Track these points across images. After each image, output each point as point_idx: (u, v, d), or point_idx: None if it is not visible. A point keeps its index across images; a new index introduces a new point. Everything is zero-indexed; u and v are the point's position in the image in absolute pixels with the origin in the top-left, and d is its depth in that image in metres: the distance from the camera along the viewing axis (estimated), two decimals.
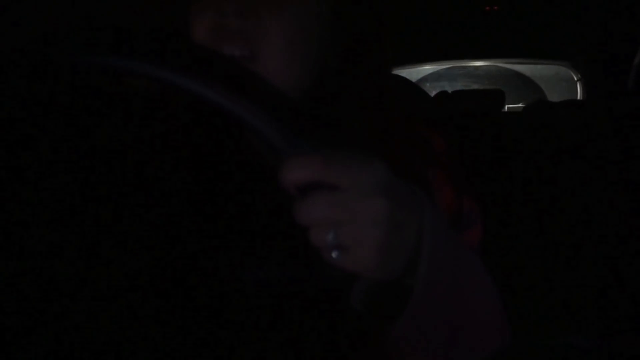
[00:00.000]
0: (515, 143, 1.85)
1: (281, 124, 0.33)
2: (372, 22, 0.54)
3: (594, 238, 1.35)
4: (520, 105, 3.95)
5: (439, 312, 0.40)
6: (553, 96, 4.15)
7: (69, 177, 0.28)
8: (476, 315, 0.43)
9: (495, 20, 2.23)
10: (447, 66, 3.98)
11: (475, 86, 4.09)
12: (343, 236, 0.34)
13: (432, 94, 2.42)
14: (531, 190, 1.68)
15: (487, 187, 1.66)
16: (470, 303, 0.43)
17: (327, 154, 0.33)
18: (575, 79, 2.69)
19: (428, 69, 3.98)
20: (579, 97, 2.63)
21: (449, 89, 2.64)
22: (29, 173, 0.27)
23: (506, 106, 2.74)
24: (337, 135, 0.37)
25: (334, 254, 0.35)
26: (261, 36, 0.47)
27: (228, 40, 0.47)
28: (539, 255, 1.47)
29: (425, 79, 4.15)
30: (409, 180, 0.40)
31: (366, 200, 0.34)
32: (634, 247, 1.31)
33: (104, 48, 0.31)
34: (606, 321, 1.26)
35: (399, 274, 0.37)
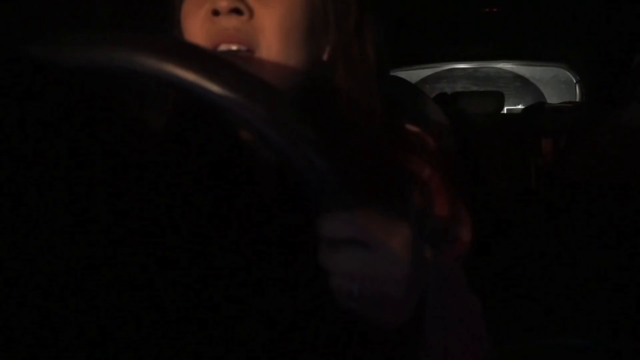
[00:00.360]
0: (515, 144, 1.86)
1: (330, 171, 0.34)
2: (360, 17, 0.54)
3: (594, 238, 1.35)
4: (519, 107, 3.95)
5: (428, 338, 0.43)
6: (552, 98, 4.15)
7: (76, 181, 0.28)
8: (467, 337, 0.48)
9: (495, 22, 2.24)
10: (447, 68, 3.98)
11: (474, 88, 4.09)
12: (365, 291, 0.37)
13: (432, 95, 2.43)
14: (530, 190, 1.68)
15: (487, 188, 1.66)
16: (459, 338, 0.47)
17: (364, 212, 0.36)
18: (574, 81, 2.69)
19: (427, 70, 3.98)
20: (577, 99, 2.63)
21: (449, 91, 2.65)
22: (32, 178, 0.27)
23: (505, 108, 2.74)
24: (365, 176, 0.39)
25: (352, 304, 0.37)
26: (257, 32, 0.48)
27: (224, 38, 0.47)
28: (538, 256, 1.47)
29: (424, 80, 4.15)
30: (407, 182, 0.43)
31: (394, 263, 0.37)
32: (632, 246, 1.31)
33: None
34: (603, 321, 1.26)
35: (404, 321, 0.41)
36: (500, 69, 4.47)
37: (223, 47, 0.48)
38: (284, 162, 0.34)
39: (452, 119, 0.98)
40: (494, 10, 2.10)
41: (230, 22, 0.47)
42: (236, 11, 0.47)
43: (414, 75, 3.58)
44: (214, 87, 0.32)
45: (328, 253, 0.37)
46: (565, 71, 2.77)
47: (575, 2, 1.92)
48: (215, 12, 0.47)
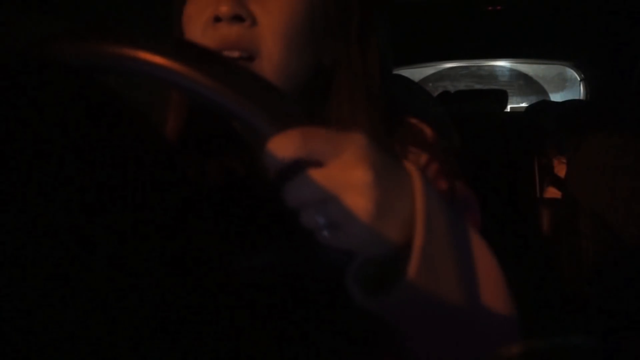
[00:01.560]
0: (518, 143, 1.85)
1: (262, 107, 0.33)
2: (362, 21, 0.54)
3: (595, 237, 1.35)
4: (522, 105, 3.95)
5: (439, 288, 0.37)
6: (556, 96, 4.14)
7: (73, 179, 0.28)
8: (480, 294, 0.40)
9: (498, 20, 2.23)
10: (450, 66, 3.98)
11: (477, 86, 4.09)
12: (332, 212, 0.33)
13: (435, 94, 2.42)
14: (534, 189, 1.68)
15: (490, 186, 1.66)
16: (473, 281, 0.39)
17: (306, 129, 0.33)
18: (578, 79, 2.68)
19: (430, 69, 3.98)
20: (581, 97, 2.62)
21: (452, 89, 2.64)
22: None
23: (509, 106, 2.73)
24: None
25: (325, 233, 0.34)
26: (258, 39, 0.47)
27: (226, 45, 0.47)
28: (540, 255, 1.47)
29: (427, 79, 4.15)
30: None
31: (348, 172, 0.33)
32: (633, 245, 1.31)
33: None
34: (607, 320, 1.25)
35: (394, 248, 0.35)
36: (503, 67, 4.47)
37: (226, 54, 0.47)
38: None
39: (455, 117, 0.98)
40: (498, 8, 2.10)
41: (231, 29, 0.47)
42: (238, 18, 0.47)
43: (417, 73, 3.57)
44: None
45: (286, 188, 0.33)
46: (569, 69, 2.76)
47: (579, 1, 1.92)
48: (217, 19, 0.47)
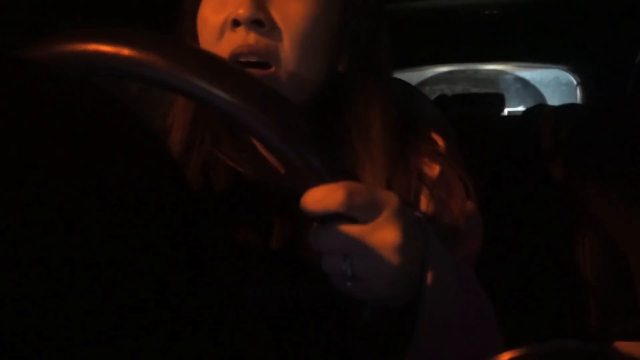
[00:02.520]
0: (515, 147, 1.85)
1: (304, 145, 0.34)
2: (376, 29, 0.54)
3: (594, 240, 1.35)
4: (520, 109, 3.95)
5: (446, 335, 0.40)
6: (553, 100, 4.15)
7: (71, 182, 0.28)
8: (477, 336, 0.44)
9: (495, 24, 2.24)
10: (447, 70, 3.99)
11: (474, 90, 4.10)
12: (358, 267, 0.35)
13: (432, 97, 2.43)
14: (532, 193, 1.68)
15: (487, 190, 1.66)
16: (471, 327, 0.43)
17: (349, 185, 0.34)
18: (575, 83, 2.69)
19: (428, 72, 3.98)
20: (578, 101, 2.63)
21: (449, 93, 2.65)
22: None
23: (506, 110, 2.74)
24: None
25: (348, 283, 0.36)
26: (276, 45, 0.47)
27: (244, 50, 0.46)
28: (539, 258, 1.47)
29: (425, 82, 4.15)
30: (415, 185, 0.42)
31: (382, 234, 0.35)
32: (632, 248, 1.31)
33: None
34: (605, 324, 1.26)
35: (405, 299, 0.38)
36: (500, 71, 4.48)
37: (243, 59, 0.47)
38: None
39: (452, 120, 0.98)
40: (495, 12, 2.11)
41: (250, 34, 0.46)
42: (257, 22, 0.46)
43: (414, 77, 3.58)
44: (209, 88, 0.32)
45: (316, 232, 0.35)
46: (566, 73, 2.77)
47: (576, 4, 1.92)
48: (236, 23, 0.46)
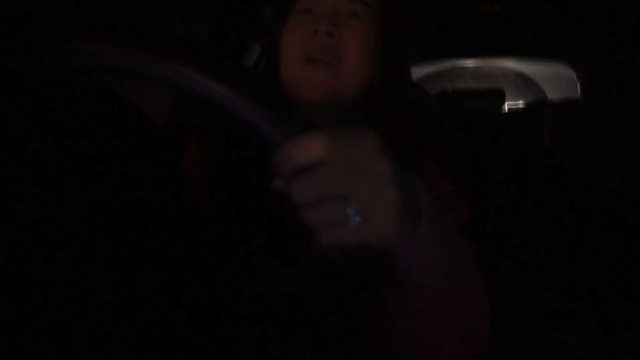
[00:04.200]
0: (516, 142, 1.86)
1: (274, 115, 0.34)
2: (408, 46, 0.73)
3: (594, 235, 1.35)
4: (520, 103, 3.95)
5: (432, 286, 0.42)
6: (553, 95, 4.15)
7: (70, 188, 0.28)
8: (462, 297, 0.46)
9: (496, 19, 2.23)
10: (448, 65, 3.98)
11: (475, 85, 4.09)
12: (363, 200, 0.34)
13: (433, 93, 2.42)
14: (532, 187, 1.68)
15: (487, 185, 1.66)
16: (457, 285, 0.45)
17: (327, 131, 0.34)
18: (575, 78, 2.69)
19: (428, 68, 3.97)
20: (578, 96, 2.63)
21: (450, 88, 2.65)
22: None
23: (506, 105, 2.74)
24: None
25: (353, 222, 0.34)
26: (342, 51, 0.65)
27: (319, 51, 0.64)
28: (538, 253, 1.47)
29: (425, 78, 4.15)
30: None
31: (373, 163, 0.34)
32: (634, 243, 1.32)
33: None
34: (606, 319, 1.26)
35: (409, 239, 0.38)
36: (501, 66, 4.46)
37: (316, 57, 0.65)
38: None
39: (452, 116, 1.00)
40: (495, 7, 2.10)
41: (324, 41, 0.65)
42: (330, 34, 0.65)
43: (414, 72, 3.57)
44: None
45: (304, 181, 0.34)
46: (567, 68, 2.77)
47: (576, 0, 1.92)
48: (315, 32, 0.65)
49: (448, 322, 0.46)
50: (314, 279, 0.47)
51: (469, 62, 3.86)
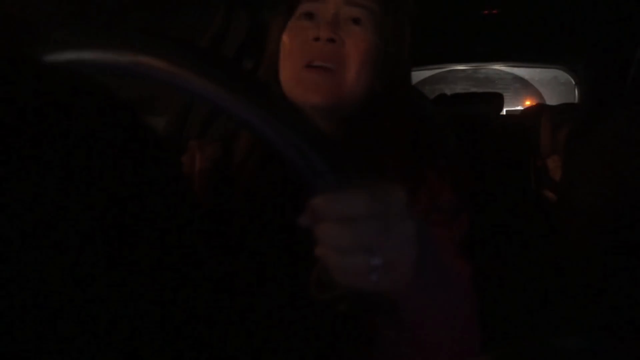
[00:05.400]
0: (514, 146, 1.86)
1: (319, 153, 0.35)
2: (407, 55, 0.72)
3: (592, 238, 1.36)
4: (518, 108, 3.96)
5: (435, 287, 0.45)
6: (551, 100, 4.16)
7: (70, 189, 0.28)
8: (454, 326, 0.50)
9: (495, 24, 2.24)
10: (446, 69, 3.99)
11: (474, 89, 4.10)
12: (387, 255, 0.37)
13: (432, 96, 2.43)
14: (529, 191, 1.69)
15: (485, 189, 1.67)
16: (450, 318, 0.49)
17: (365, 188, 0.36)
18: (573, 82, 2.70)
19: (427, 72, 3.99)
20: (576, 100, 2.64)
21: (448, 92, 2.65)
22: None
23: (504, 109, 2.74)
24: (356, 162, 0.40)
25: (374, 276, 0.37)
26: (343, 56, 0.65)
27: (320, 57, 0.64)
28: (536, 256, 1.47)
29: (424, 81, 4.16)
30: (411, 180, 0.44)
31: (401, 223, 0.38)
32: (631, 246, 1.32)
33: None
34: (604, 322, 1.26)
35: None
36: (499, 70, 4.48)
37: (317, 63, 0.64)
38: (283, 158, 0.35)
39: (451, 120, 1.00)
40: (494, 12, 2.11)
41: (326, 47, 0.65)
42: (331, 40, 0.64)
43: (413, 76, 3.59)
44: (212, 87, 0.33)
45: (342, 229, 0.36)
46: (565, 73, 2.78)
47: (574, 4, 1.93)
48: (317, 39, 0.64)
49: (439, 346, 0.50)
50: (311, 300, 0.48)
51: (468, 66, 3.88)
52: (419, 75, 3.88)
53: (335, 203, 0.36)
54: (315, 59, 0.64)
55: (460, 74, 4.46)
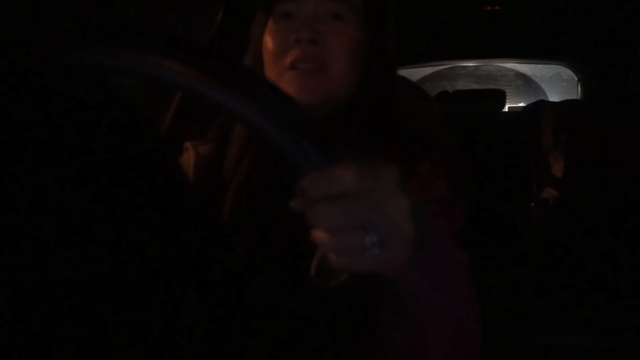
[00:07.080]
0: (516, 143, 1.86)
1: (302, 138, 0.34)
2: (394, 51, 0.71)
3: (593, 237, 1.35)
4: (520, 104, 3.95)
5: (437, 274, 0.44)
6: (553, 96, 4.15)
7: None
8: (456, 315, 0.48)
9: (497, 20, 2.23)
10: (448, 66, 3.98)
11: (475, 86, 4.09)
12: (382, 232, 0.36)
13: (433, 94, 2.43)
14: (531, 188, 1.68)
15: (487, 185, 1.66)
16: (451, 305, 0.47)
17: (353, 163, 0.36)
18: (576, 79, 2.69)
19: (429, 69, 3.98)
20: (579, 97, 2.63)
21: (450, 89, 2.65)
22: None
23: (507, 106, 2.74)
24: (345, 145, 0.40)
25: (371, 253, 0.36)
26: (326, 55, 0.64)
27: (304, 58, 0.63)
28: (538, 254, 1.47)
29: (426, 78, 4.16)
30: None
31: (394, 198, 0.36)
32: (632, 245, 1.32)
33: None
34: (606, 321, 1.26)
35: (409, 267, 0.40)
36: (502, 67, 4.47)
37: (301, 65, 0.63)
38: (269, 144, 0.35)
39: (453, 117, 1.00)
40: (496, 8, 2.10)
41: (308, 48, 0.63)
42: (313, 41, 0.63)
43: (415, 73, 3.58)
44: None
45: (325, 210, 0.35)
46: (567, 69, 2.77)
47: (577, 1, 1.92)
48: (298, 40, 0.63)
49: (440, 337, 0.49)
50: (313, 293, 0.48)
51: (470, 63, 3.87)
52: (420, 73, 3.88)
53: (322, 180, 0.35)
54: (298, 61, 0.63)
55: (462, 71, 4.45)
